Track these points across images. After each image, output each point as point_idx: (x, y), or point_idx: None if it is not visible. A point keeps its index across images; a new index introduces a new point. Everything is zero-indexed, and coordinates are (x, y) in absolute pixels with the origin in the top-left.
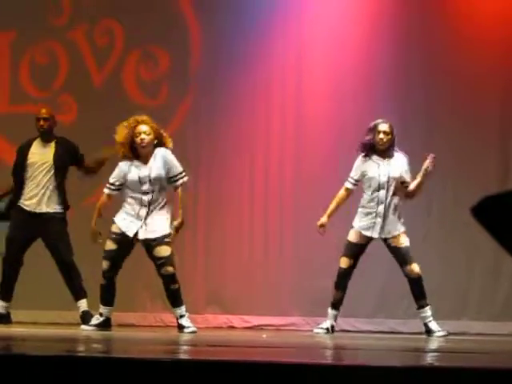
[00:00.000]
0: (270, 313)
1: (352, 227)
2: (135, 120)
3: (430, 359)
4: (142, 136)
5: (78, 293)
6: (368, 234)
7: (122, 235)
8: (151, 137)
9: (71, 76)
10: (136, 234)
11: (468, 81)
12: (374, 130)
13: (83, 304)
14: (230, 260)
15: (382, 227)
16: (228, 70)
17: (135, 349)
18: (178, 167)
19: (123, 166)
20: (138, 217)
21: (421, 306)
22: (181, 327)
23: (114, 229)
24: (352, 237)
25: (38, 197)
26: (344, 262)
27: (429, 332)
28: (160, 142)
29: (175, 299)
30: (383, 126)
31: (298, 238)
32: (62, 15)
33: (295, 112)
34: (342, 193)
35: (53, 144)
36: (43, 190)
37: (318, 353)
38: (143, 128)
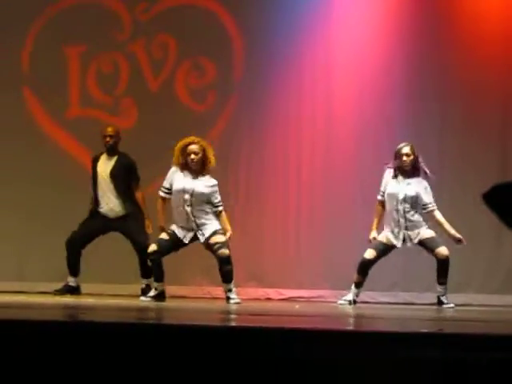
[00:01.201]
0: (301, 286)
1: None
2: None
3: (439, 326)
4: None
5: (145, 272)
6: (394, 242)
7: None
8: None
9: (131, 83)
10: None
11: (474, 86)
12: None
13: (145, 281)
14: (267, 240)
15: (404, 237)
16: (266, 78)
17: (186, 317)
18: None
19: None
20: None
21: (441, 283)
22: (228, 299)
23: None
24: (382, 237)
25: (107, 204)
26: (369, 254)
27: (439, 304)
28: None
29: (227, 277)
30: (405, 149)
31: (326, 221)
32: (124, 31)
33: (325, 113)
34: (378, 207)
35: (115, 158)
36: (109, 198)
37: (343, 321)
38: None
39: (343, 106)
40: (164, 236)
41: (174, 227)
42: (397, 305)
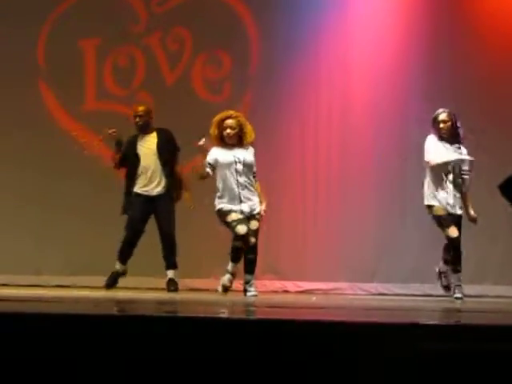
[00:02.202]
0: (318, 279)
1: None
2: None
3: (456, 318)
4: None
5: (169, 264)
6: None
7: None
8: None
9: (147, 76)
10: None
11: (490, 80)
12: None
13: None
14: (285, 234)
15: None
16: (282, 70)
17: (203, 309)
18: None
19: None
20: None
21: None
22: (245, 291)
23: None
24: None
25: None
26: (453, 231)
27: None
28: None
29: (250, 267)
30: (442, 116)
31: (343, 214)
32: (140, 24)
33: (341, 106)
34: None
35: (154, 134)
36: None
37: (360, 313)
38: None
39: (360, 100)
40: (236, 216)
41: (225, 206)
42: (413, 296)
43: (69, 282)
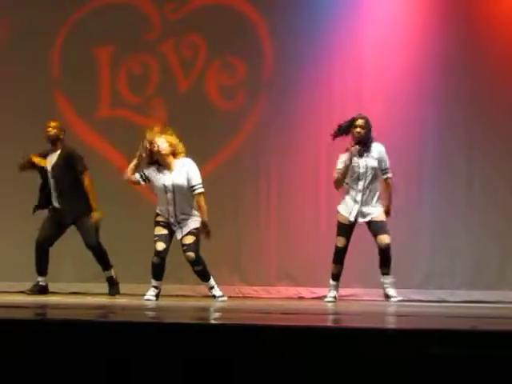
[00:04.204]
0: None
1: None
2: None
3: (472, 324)
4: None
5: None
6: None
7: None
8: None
9: (161, 83)
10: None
11: (505, 85)
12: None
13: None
14: (299, 240)
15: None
16: (295, 77)
17: (215, 316)
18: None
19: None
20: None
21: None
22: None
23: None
24: None
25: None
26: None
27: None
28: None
29: (201, 277)
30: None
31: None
32: (153, 31)
33: (355, 112)
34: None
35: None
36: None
37: (375, 319)
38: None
39: (373, 105)
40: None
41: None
42: (429, 302)
43: (84, 289)
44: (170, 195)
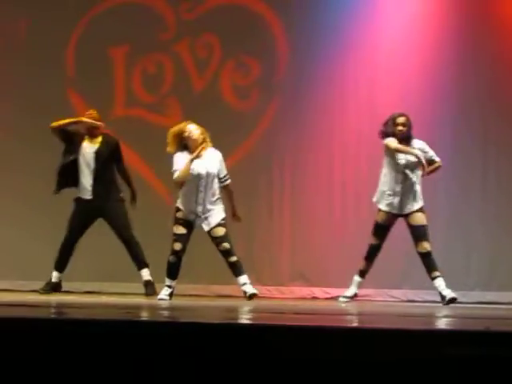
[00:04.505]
0: (347, 285)
1: None
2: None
3: (486, 325)
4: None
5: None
6: None
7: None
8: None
9: (176, 83)
10: None
11: None
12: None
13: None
14: (312, 240)
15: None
16: (310, 76)
17: (229, 315)
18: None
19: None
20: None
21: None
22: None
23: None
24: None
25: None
26: None
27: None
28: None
29: (235, 270)
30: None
31: (371, 220)
32: (168, 31)
33: (369, 112)
34: None
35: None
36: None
37: (390, 319)
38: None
39: (387, 105)
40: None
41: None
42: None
43: (98, 288)
44: (202, 182)
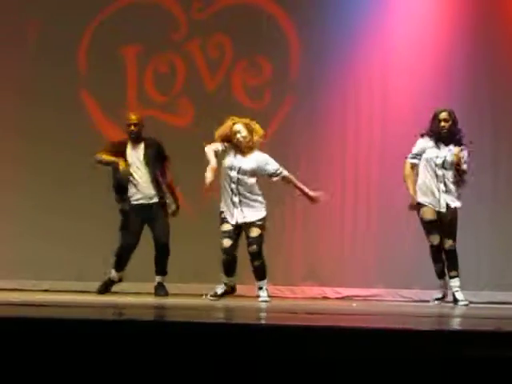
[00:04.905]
0: (358, 285)
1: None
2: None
3: (497, 325)
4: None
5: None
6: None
7: None
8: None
9: (188, 83)
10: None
11: None
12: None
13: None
14: (324, 240)
15: None
16: (322, 76)
17: (244, 316)
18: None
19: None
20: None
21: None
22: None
23: None
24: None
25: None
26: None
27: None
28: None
29: (257, 274)
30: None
31: (383, 220)
32: (180, 31)
33: (381, 111)
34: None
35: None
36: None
37: (400, 319)
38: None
39: (399, 105)
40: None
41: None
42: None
43: (114, 288)
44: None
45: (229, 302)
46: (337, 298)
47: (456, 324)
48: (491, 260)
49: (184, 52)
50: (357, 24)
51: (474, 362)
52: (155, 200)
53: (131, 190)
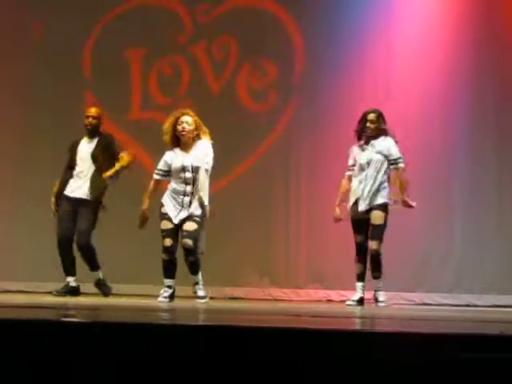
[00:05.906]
0: None
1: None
2: (180, 111)
3: (500, 329)
4: (184, 125)
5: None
6: None
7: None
8: (192, 128)
9: (192, 85)
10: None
11: None
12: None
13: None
14: (328, 243)
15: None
16: (327, 78)
17: (246, 319)
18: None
19: (168, 154)
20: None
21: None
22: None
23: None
24: None
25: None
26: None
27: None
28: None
29: (192, 269)
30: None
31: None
32: (185, 33)
33: (386, 114)
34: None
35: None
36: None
37: (403, 323)
38: (186, 118)
39: (404, 107)
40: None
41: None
42: (457, 307)
43: (115, 290)
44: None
45: (229, 303)
46: (341, 301)
47: (459, 327)
48: (495, 263)
49: (189, 54)
50: (361, 26)
51: (478, 366)
52: (87, 197)
53: (70, 181)
